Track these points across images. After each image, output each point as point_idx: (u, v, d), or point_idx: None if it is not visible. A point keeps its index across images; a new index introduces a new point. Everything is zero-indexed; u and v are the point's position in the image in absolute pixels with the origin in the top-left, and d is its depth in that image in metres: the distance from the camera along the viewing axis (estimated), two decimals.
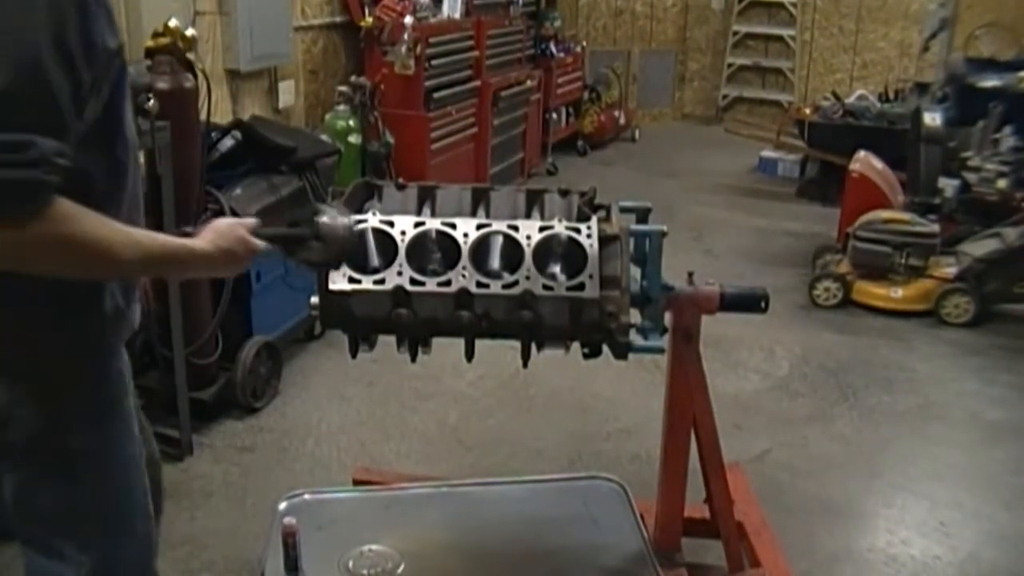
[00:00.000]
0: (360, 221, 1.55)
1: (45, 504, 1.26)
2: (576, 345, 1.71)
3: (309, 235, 1.35)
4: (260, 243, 1.31)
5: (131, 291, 1.30)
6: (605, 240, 1.62)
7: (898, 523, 2.60)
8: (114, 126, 1.19)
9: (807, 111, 6.06)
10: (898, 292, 4.04)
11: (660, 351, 1.77)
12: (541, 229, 1.62)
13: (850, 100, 6.01)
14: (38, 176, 1.03)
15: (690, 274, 1.86)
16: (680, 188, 6.12)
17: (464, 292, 1.55)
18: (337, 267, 1.49)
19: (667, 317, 1.84)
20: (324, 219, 1.36)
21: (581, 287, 1.57)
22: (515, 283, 1.57)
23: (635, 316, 1.73)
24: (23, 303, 1.16)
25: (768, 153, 6.64)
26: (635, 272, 1.76)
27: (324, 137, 3.87)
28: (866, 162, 4.48)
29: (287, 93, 4.28)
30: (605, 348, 1.67)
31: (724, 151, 6.96)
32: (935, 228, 4.05)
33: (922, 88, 5.91)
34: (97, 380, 1.27)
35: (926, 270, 4.04)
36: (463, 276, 1.56)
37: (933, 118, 4.45)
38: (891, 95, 6.14)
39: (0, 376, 1.20)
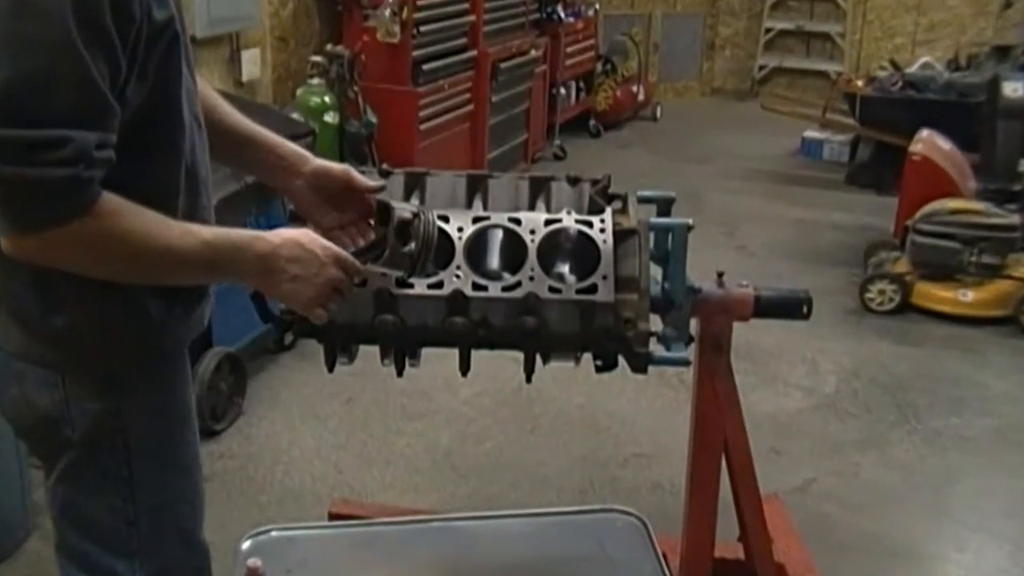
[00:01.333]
0: None
1: (100, 513, 1.32)
2: (588, 357, 1.72)
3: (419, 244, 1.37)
4: (348, 256, 1.32)
5: (195, 290, 1.34)
6: (621, 235, 1.62)
7: (972, 570, 2.58)
8: (166, 109, 1.21)
9: (859, 83, 6.04)
10: (968, 295, 4.04)
11: (685, 363, 1.77)
12: (547, 223, 1.63)
13: (912, 69, 5.94)
14: (77, 174, 1.07)
15: (720, 274, 1.86)
16: (709, 175, 6.14)
17: (458, 295, 1.56)
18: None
19: (693, 324, 1.85)
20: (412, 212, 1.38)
21: (593, 289, 1.57)
22: (517, 285, 1.57)
23: (656, 323, 1.74)
24: (75, 303, 1.22)
25: (812, 133, 6.66)
26: (656, 272, 1.77)
27: (295, 116, 3.90)
28: (930, 142, 4.46)
29: (252, 64, 4.29)
30: (621, 360, 1.68)
31: (760, 131, 6.97)
32: (1014, 220, 4.01)
33: (1001, 53, 5.82)
34: (156, 379, 1.34)
35: (1003, 269, 4.01)
36: (457, 277, 1.57)
37: (1015, 89, 4.38)
38: (962, 62, 6.05)
39: (56, 374, 1.26)
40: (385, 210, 1.40)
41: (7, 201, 1.08)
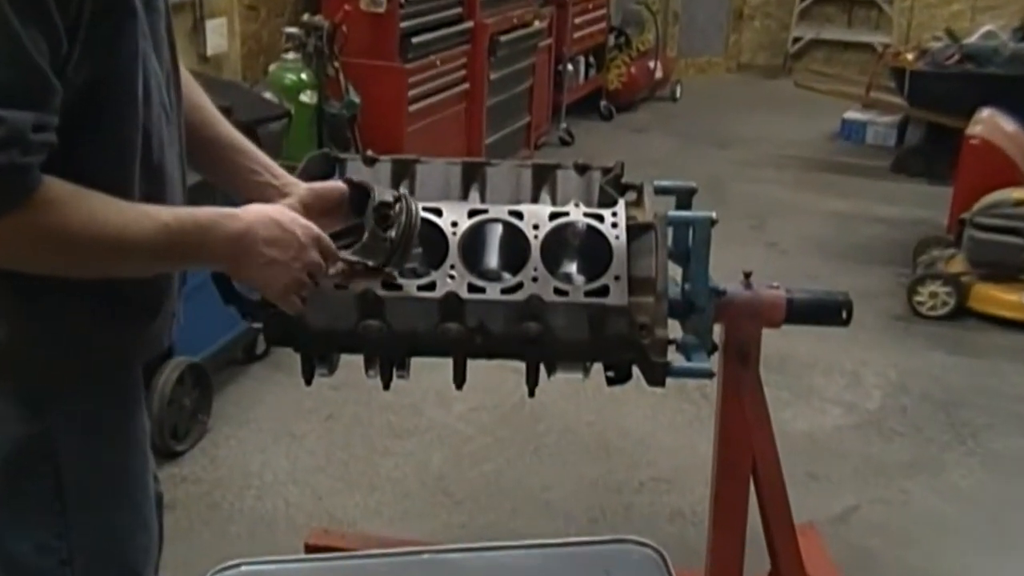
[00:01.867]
0: None
1: (26, 552, 1.29)
2: (598, 367, 1.73)
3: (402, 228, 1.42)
4: (328, 239, 1.34)
5: (146, 303, 1.33)
6: (636, 230, 1.63)
7: None
8: (116, 92, 1.20)
9: (909, 56, 6.03)
10: None
11: (708, 375, 1.77)
12: (552, 216, 1.64)
13: (971, 39, 5.85)
14: (11, 160, 1.06)
15: (747, 274, 1.87)
16: (735, 162, 6.16)
17: (452, 298, 1.57)
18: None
19: (717, 331, 1.85)
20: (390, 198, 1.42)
21: (604, 291, 1.58)
22: (519, 286, 1.58)
23: (675, 329, 1.74)
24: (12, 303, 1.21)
25: (854, 114, 6.68)
26: (675, 272, 1.77)
27: (268, 95, 3.91)
28: (992, 123, 4.44)
29: (217, 35, 4.30)
30: (636, 372, 1.69)
31: (795, 112, 7.00)
32: None
33: None
34: (96, 399, 1.32)
35: None
36: (451, 277, 1.58)
37: None
38: None
39: None
40: (363, 192, 1.42)
41: None
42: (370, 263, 1.49)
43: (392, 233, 1.42)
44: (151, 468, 1.44)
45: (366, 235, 1.41)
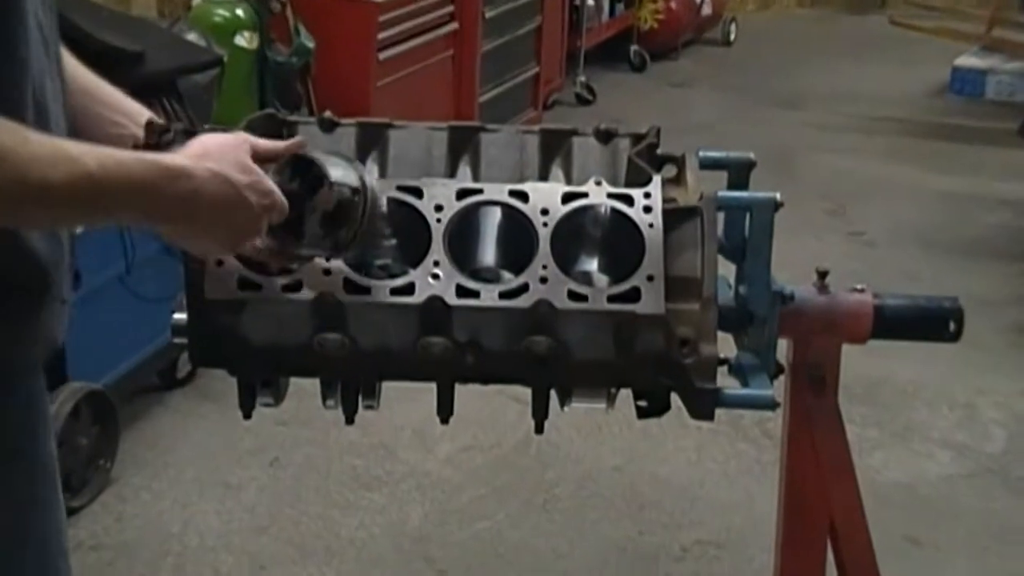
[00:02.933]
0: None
1: None
2: (626, 396, 1.72)
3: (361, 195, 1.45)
4: (278, 193, 1.38)
5: (27, 289, 1.34)
6: (676, 216, 1.62)
7: None
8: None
9: None
10: None
11: (771, 406, 1.74)
12: (567, 198, 1.63)
13: None
14: None
15: (823, 274, 1.84)
16: (806, 125, 6.16)
17: (437, 304, 1.55)
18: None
19: (782, 348, 1.83)
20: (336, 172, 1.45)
21: (634, 296, 1.56)
22: (522, 289, 1.56)
23: (726, 345, 1.71)
24: None
25: (970, 60, 6.66)
26: (727, 271, 1.76)
27: (192, 37, 3.87)
28: None
29: None
30: (676, 400, 1.67)
31: (888, 59, 6.99)
32: None
33: None
34: None
35: None
36: (434, 277, 1.57)
37: None
38: None
39: None
40: (304, 168, 1.44)
41: None
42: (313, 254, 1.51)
43: (344, 233, 1.46)
44: (61, 506, 1.45)
45: (304, 233, 1.44)
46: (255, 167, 1.37)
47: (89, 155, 1.20)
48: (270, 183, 1.37)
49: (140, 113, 1.54)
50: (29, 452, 1.40)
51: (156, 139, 1.49)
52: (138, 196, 1.25)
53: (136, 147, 1.40)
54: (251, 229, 1.37)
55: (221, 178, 1.31)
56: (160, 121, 1.50)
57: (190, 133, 1.46)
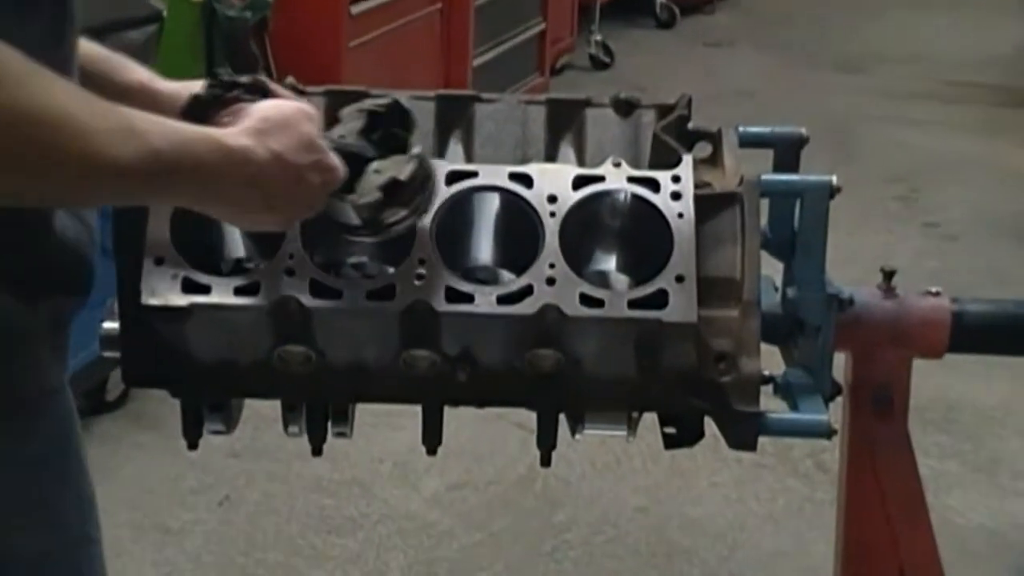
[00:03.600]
0: None
1: None
2: (651, 421, 1.71)
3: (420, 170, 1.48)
4: (340, 169, 1.41)
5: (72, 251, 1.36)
6: (710, 204, 1.61)
7: None
8: None
9: None
10: None
11: (825, 434, 1.72)
12: (579, 182, 1.60)
13: None
14: None
15: (889, 273, 1.80)
16: (870, 93, 6.08)
17: (422, 310, 1.52)
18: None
19: (839, 363, 1.82)
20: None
21: (660, 300, 1.53)
22: (525, 292, 1.54)
23: (771, 360, 1.72)
24: None
25: None
26: (772, 270, 1.77)
27: None
28: None
29: None
30: (711, 426, 1.67)
31: (968, 11, 6.84)
32: None
33: None
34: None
35: None
36: (419, 278, 1.54)
37: None
38: None
39: None
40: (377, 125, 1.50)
41: None
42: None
43: (402, 214, 1.46)
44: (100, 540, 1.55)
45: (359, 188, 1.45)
46: (319, 143, 1.38)
47: (154, 130, 1.20)
48: (333, 160, 1.40)
49: (147, 83, 1.57)
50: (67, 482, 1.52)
51: (218, 95, 1.44)
52: (199, 181, 1.28)
53: (185, 111, 1.39)
54: (307, 207, 1.41)
55: (283, 163, 1.33)
56: (226, 74, 1.48)
57: (254, 89, 1.46)
